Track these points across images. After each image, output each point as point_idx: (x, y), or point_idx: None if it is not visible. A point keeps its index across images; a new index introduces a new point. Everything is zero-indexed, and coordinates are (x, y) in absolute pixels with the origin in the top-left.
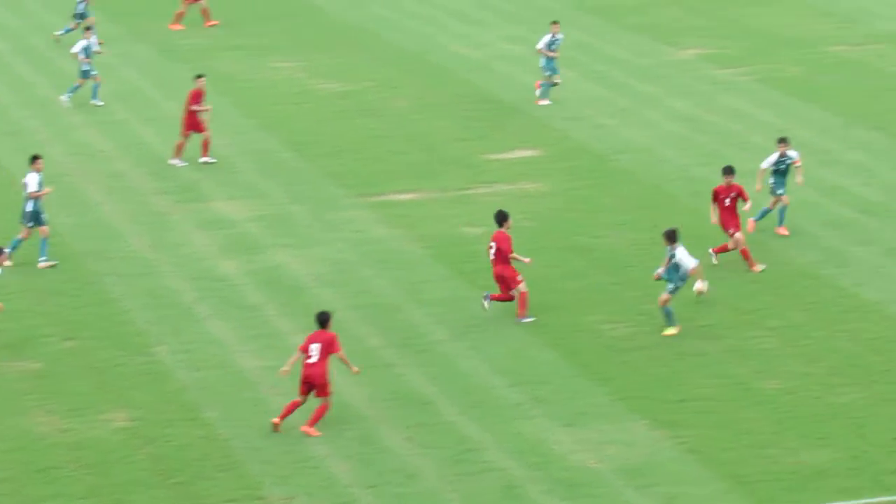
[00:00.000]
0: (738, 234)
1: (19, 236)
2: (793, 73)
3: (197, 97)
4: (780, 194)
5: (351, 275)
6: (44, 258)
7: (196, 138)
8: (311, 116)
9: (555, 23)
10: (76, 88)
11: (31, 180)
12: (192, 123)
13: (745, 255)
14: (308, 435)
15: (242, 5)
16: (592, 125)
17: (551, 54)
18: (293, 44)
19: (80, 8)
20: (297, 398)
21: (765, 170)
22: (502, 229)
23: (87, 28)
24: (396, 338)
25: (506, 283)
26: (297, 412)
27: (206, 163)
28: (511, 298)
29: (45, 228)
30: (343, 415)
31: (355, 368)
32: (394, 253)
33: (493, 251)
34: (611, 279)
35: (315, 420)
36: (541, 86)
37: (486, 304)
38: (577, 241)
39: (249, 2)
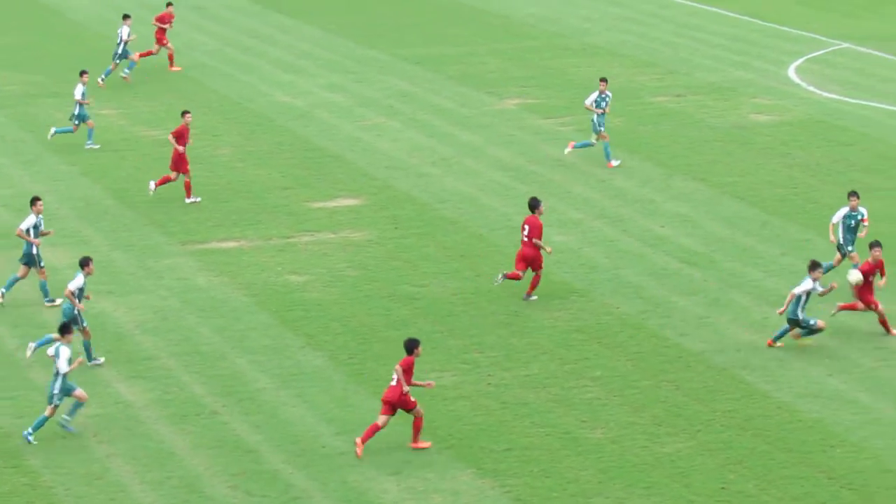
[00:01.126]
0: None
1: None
2: (614, 123)
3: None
4: (850, 251)
5: (174, 322)
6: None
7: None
8: (133, 164)
9: (603, 80)
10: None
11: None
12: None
13: None
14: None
15: (63, 53)
16: (416, 174)
17: (598, 111)
18: (114, 91)
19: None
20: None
21: (835, 224)
22: (534, 215)
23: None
24: (220, 386)
25: (533, 264)
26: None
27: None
28: (519, 278)
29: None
30: (167, 462)
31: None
32: (217, 301)
33: (525, 233)
34: (435, 328)
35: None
36: (603, 147)
37: (499, 278)
38: (401, 290)
39: (72, 48)
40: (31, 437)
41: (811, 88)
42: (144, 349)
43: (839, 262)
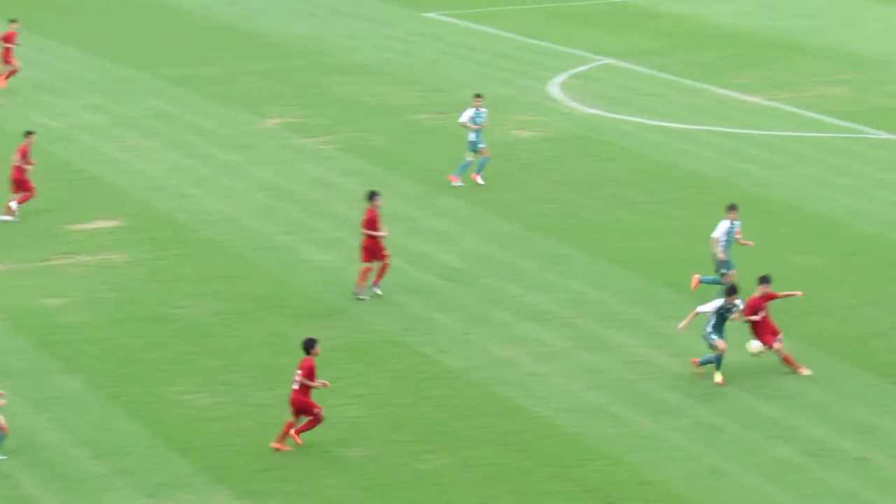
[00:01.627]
0: None
1: None
2: (377, 141)
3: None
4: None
5: None
6: None
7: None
8: None
9: (478, 96)
10: None
11: None
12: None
13: None
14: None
15: None
16: (176, 195)
17: (475, 127)
18: None
19: None
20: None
21: (716, 238)
22: (371, 206)
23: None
24: None
25: (376, 254)
26: None
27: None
28: (370, 270)
29: None
30: None
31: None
32: None
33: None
34: (192, 349)
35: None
36: (480, 162)
37: (363, 294)
38: (160, 312)
39: None
40: None
41: (573, 104)
42: None
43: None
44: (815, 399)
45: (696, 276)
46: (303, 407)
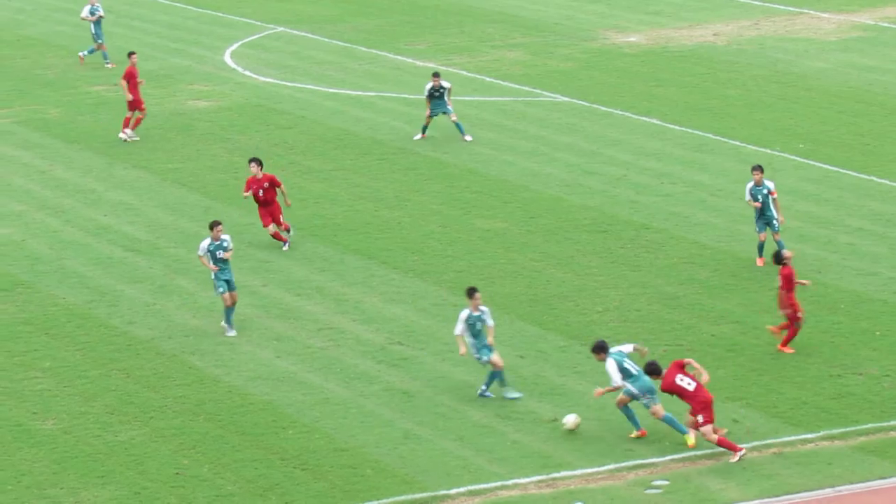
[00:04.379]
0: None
1: None
2: (53, 114)
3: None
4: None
5: None
6: None
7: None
8: None
9: (436, 75)
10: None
11: None
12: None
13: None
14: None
15: None
16: None
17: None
18: None
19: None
20: None
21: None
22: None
23: None
24: None
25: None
26: None
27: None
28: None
29: None
30: None
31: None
32: None
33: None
34: None
35: None
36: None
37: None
38: None
39: None
40: None
41: (247, 73)
42: None
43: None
44: (508, 363)
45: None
46: None
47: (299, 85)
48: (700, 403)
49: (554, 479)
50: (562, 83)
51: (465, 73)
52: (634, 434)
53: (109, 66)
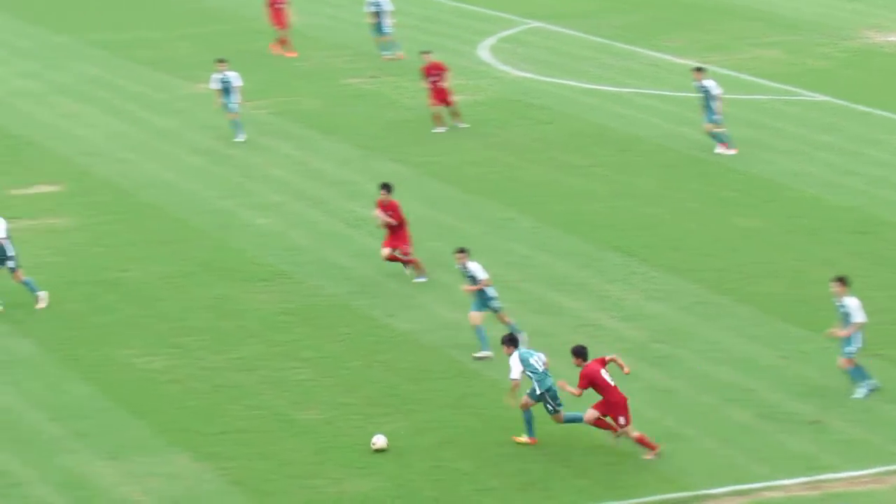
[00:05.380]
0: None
1: None
2: (311, 105)
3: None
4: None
5: None
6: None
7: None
8: None
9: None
10: None
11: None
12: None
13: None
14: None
15: None
16: (114, 160)
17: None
18: None
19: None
20: None
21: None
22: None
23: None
24: None
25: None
26: None
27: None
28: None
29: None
30: None
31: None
32: None
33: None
34: (141, 312)
35: None
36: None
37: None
38: (106, 276)
39: None
40: None
41: (504, 68)
42: None
43: None
44: (769, 363)
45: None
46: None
47: (557, 80)
48: (616, 403)
49: (819, 481)
50: (820, 82)
51: (721, 71)
52: (524, 439)
53: (391, 56)
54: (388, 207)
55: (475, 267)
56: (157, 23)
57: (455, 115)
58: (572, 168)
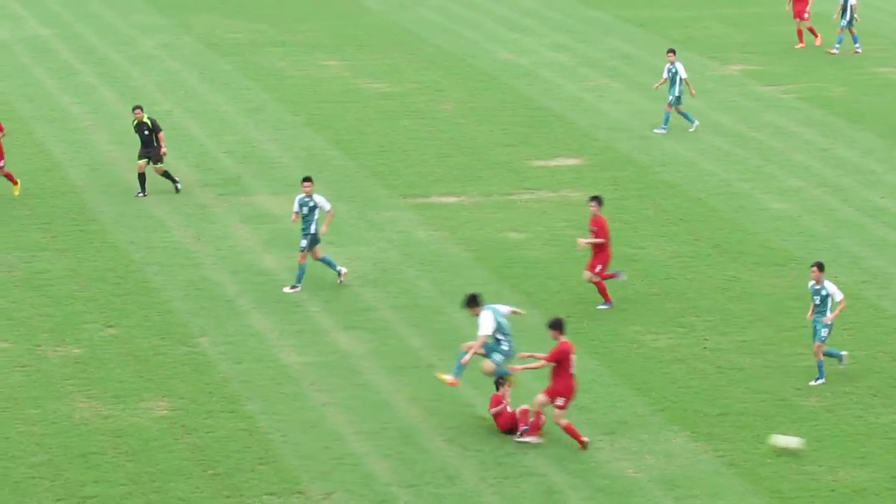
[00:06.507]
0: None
1: None
2: (837, 93)
3: None
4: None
5: (394, 275)
6: None
7: None
8: (356, 116)
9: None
10: None
11: None
12: None
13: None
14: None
15: (288, 2)
16: (636, 136)
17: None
18: (339, 42)
19: None
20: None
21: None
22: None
23: None
24: (438, 339)
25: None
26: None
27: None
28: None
29: None
30: (383, 413)
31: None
32: (436, 255)
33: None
34: (651, 290)
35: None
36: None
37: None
38: (620, 251)
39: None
40: None
41: None
42: (363, 300)
43: None
44: None
45: None
46: None
47: None
48: (569, 388)
49: None
50: None
51: None
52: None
53: (858, 50)
54: (594, 223)
55: None
56: (691, 2)
57: None
58: None
